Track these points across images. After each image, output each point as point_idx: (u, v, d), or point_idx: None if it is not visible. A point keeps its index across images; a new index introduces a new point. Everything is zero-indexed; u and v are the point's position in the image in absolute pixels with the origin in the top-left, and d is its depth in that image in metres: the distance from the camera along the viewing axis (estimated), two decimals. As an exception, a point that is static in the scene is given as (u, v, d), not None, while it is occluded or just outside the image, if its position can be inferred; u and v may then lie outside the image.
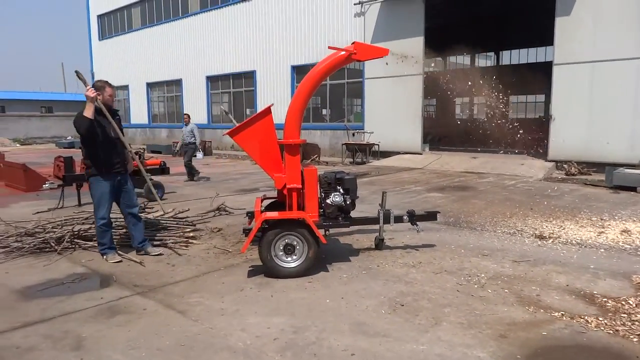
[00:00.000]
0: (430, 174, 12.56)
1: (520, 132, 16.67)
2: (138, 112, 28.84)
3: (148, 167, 9.51)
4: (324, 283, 4.48)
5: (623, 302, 3.89)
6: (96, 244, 5.39)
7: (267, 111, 4.88)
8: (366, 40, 16.35)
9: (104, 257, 5.21)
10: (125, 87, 29.19)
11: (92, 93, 4.90)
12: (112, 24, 29.92)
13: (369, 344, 3.28)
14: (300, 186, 4.80)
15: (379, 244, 5.50)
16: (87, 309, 3.94)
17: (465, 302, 3.98)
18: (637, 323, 3.51)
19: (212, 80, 23.57)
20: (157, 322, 3.67)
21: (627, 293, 4.10)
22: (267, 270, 4.63)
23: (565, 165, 12.31)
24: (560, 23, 12.51)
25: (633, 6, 11.31)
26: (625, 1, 11.44)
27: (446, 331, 3.46)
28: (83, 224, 6.17)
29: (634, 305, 3.82)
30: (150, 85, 27.72)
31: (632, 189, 9.40)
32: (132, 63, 28.20)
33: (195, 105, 24.38)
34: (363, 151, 16.06)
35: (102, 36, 30.81)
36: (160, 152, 20.36)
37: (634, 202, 8.32)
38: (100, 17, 30.75)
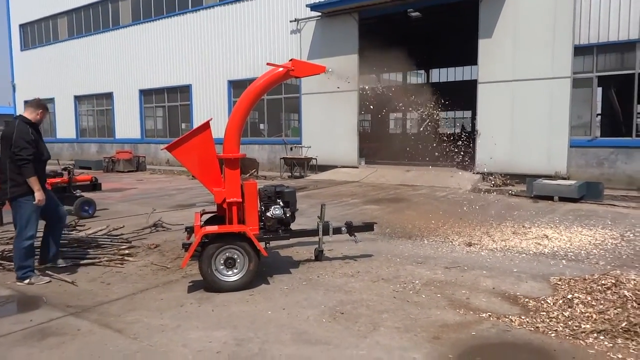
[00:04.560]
0: (366, 187, 12.92)
1: (450, 145, 17.55)
2: (65, 126, 27.41)
3: (78, 183, 9.13)
4: (266, 295, 4.53)
5: (542, 302, 4.23)
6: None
7: (206, 125, 4.89)
8: (302, 57, 16.66)
9: (26, 281, 4.86)
10: (51, 100, 27.64)
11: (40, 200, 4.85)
12: (36, 34, 28.38)
13: (311, 352, 3.36)
14: (240, 200, 4.83)
15: (319, 255, 5.62)
16: (14, 332, 3.74)
17: (401, 308, 4.17)
18: (554, 320, 3.84)
19: (145, 94, 22.93)
20: (92, 342, 3.55)
21: (545, 293, 4.46)
22: (208, 284, 4.60)
23: (491, 177, 13.10)
24: (483, 45, 13.41)
25: (546, 30, 12.35)
26: (539, 26, 12.47)
27: (384, 336, 3.61)
28: (7, 243, 5.82)
29: (552, 304, 4.17)
30: (79, 99, 26.48)
31: (550, 198, 10.18)
32: (59, 75, 26.83)
33: (128, 119, 23.58)
34: (301, 165, 16.23)
35: (25, 46, 29.13)
36: (90, 168, 19.45)
37: (551, 210, 9.03)
38: (22, 26, 29.09)
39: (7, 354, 3.37)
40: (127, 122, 23.73)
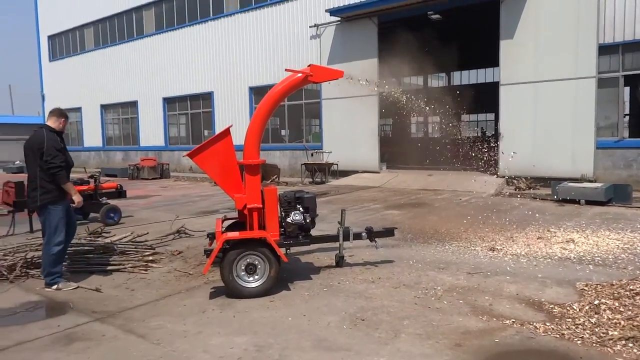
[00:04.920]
0: (388, 192, 12.86)
1: (473, 149, 17.34)
2: (92, 135, 28.09)
3: (104, 191, 9.33)
4: (286, 301, 4.54)
5: (568, 308, 4.14)
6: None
7: (227, 132, 4.96)
8: (322, 62, 16.72)
9: (55, 287, 4.99)
10: (78, 109, 28.41)
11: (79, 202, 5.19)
12: (64, 45, 29.21)
13: (331, 358, 3.36)
14: (260, 206, 4.87)
15: (339, 261, 5.61)
16: (42, 337, 3.84)
17: (422, 314, 4.13)
18: (580, 327, 3.75)
19: (169, 101, 23.34)
20: (117, 348, 3.62)
21: (571, 299, 4.36)
22: (229, 290, 4.64)
23: (515, 181, 12.89)
24: (504, 46, 13.24)
25: (569, 30, 12.13)
26: (562, 25, 12.26)
27: (405, 342, 3.58)
28: (37, 250, 5.98)
29: (578, 310, 4.08)
30: (105, 107, 27.12)
31: (576, 201, 9.96)
32: (85, 84, 27.53)
33: (152, 127, 24.03)
34: (322, 171, 16.25)
35: (53, 57, 30.00)
36: (115, 176, 19.88)
37: (577, 214, 8.83)
38: (51, 37, 29.97)
39: (35, 357, 3.47)
40: (151, 130, 24.18)
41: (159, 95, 23.47)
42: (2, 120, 49.52)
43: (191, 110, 22.59)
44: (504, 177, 13.49)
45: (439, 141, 32.08)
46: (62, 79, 29.16)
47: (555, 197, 10.38)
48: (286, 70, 5.07)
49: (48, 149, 4.90)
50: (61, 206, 5.04)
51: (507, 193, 11.93)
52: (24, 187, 8.39)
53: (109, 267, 5.65)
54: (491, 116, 35.69)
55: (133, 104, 25.02)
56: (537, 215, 8.78)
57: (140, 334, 3.85)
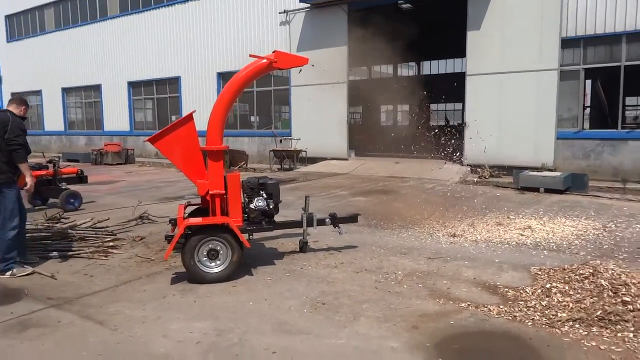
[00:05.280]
0: (355, 179, 12.95)
1: (439, 138, 17.61)
2: (53, 119, 27.12)
3: (64, 176, 9.07)
4: (248, 287, 4.55)
5: (521, 291, 4.29)
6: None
7: (189, 117, 4.88)
8: (292, 49, 16.59)
9: (9, 273, 4.84)
10: (38, 92, 27.35)
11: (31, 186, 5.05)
12: (22, 26, 27.96)
13: (291, 342, 3.39)
14: (223, 192, 4.83)
15: (303, 247, 5.64)
16: (-6, 325, 3.73)
17: (382, 298, 4.21)
18: (531, 309, 3.90)
19: (134, 86, 22.73)
20: (73, 334, 3.56)
21: (525, 283, 4.52)
22: (191, 276, 4.62)
23: (479, 169, 13.18)
24: (471, 37, 13.43)
25: (534, 22, 12.39)
26: (527, 18, 12.51)
27: (364, 325, 3.65)
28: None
29: (530, 293, 4.23)
30: (66, 91, 26.19)
31: (536, 189, 10.27)
32: (46, 67, 26.48)
33: (117, 111, 23.38)
34: (291, 158, 16.22)
35: (11, 38, 28.70)
36: (78, 161, 19.30)
37: (536, 202, 9.11)
38: (8, 17, 28.63)
39: (-14, 346, 3.37)
40: (116, 115, 23.53)
41: (123, 79, 22.82)
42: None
43: (157, 95, 22.08)
44: (468, 165, 13.78)
45: (407, 129, 32.48)
46: (20, 61, 27.97)
47: (517, 185, 10.68)
48: (250, 55, 5.02)
49: (13, 128, 4.89)
50: (15, 189, 4.89)
51: (472, 181, 12.19)
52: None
53: (67, 253, 5.52)
54: (459, 106, 36.34)
55: (96, 88, 24.26)
56: (498, 202, 9.02)
57: (97, 320, 3.79)
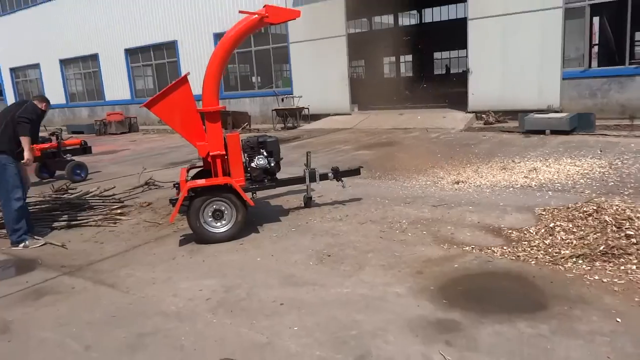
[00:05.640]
0: (359, 133, 12.87)
1: (443, 86, 17.32)
2: (54, 92, 26.89)
3: (68, 148, 9.11)
4: (255, 244, 4.62)
5: (525, 232, 4.31)
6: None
7: (184, 80, 4.83)
8: (288, 4, 16.14)
9: (22, 245, 4.96)
10: (36, 66, 27.09)
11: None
12: (13, -2, 27.43)
13: (297, 293, 3.47)
14: (223, 152, 4.83)
15: (307, 202, 5.68)
16: (11, 294, 3.85)
17: (387, 247, 4.26)
18: (535, 248, 3.93)
19: (131, 53, 22.39)
20: (86, 298, 3.67)
21: (529, 224, 4.54)
22: (198, 237, 4.69)
23: (484, 115, 13.00)
24: (472, -22, 12.95)
25: (536, -41, 11.90)
26: (529, -46, 12.00)
27: (369, 274, 3.71)
28: None
29: (534, 233, 4.25)
30: (64, 62, 25.90)
31: (542, 132, 10.15)
32: (42, 39, 26.05)
33: (116, 80, 23.17)
34: (293, 116, 16.09)
35: (3, 11, 28.20)
36: (82, 132, 19.32)
37: (542, 144, 9.02)
38: (-2, -10, 28.06)
39: (5, 314, 3.49)
40: (116, 84, 23.31)
41: (120, 46, 22.46)
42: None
43: (155, 60, 21.77)
44: (473, 112, 13.59)
45: (410, 80, 31.90)
46: (15, 35, 27.52)
47: (522, 129, 10.55)
48: (240, 12, 4.88)
49: (27, 108, 5.10)
50: (15, 163, 4.94)
51: (476, 128, 12.07)
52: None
53: (77, 222, 5.61)
54: (463, 53, 35.53)
55: (94, 57, 23.95)
56: (503, 147, 8.95)
57: (109, 284, 3.90)
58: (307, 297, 3.39)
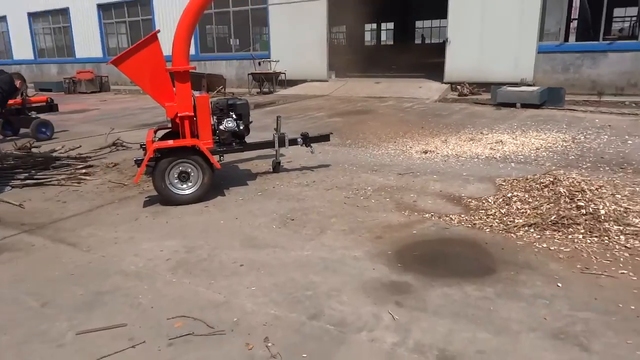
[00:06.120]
0: (334, 100, 12.82)
1: (421, 56, 17.26)
2: (21, 47, 25.85)
3: (33, 105, 8.84)
4: (220, 207, 4.64)
5: (484, 201, 4.44)
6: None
7: (153, 37, 4.70)
8: (266, -37, 15.69)
9: None
10: (3, 19, 25.87)
11: None
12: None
13: (258, 255, 3.53)
14: (192, 114, 4.78)
15: (276, 167, 5.70)
16: (-32, 250, 3.81)
17: (350, 212, 4.34)
18: (491, 217, 4.06)
19: (104, 8, 21.55)
20: (46, 256, 3.65)
21: (488, 193, 4.67)
22: (163, 198, 4.68)
23: (459, 87, 13.09)
24: (453, -55, 12.77)
25: None
26: None
27: (329, 238, 3.79)
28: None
29: (492, 202, 4.38)
30: (32, 16, 24.78)
31: (513, 105, 10.30)
32: (7, -10, 24.85)
33: (88, 37, 22.33)
34: (270, 80, 15.89)
35: (-35, -43, 26.61)
36: (50, 90, 18.71)
37: (512, 117, 9.17)
38: None
39: (-39, 270, 3.46)
40: (88, 41, 22.48)
41: (92, 1, 21.58)
42: None
43: (129, 18, 21.03)
44: (449, 83, 13.65)
45: (389, 49, 31.61)
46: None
47: (495, 101, 10.67)
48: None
49: (4, 79, 5.52)
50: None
51: (450, 99, 12.15)
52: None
53: (39, 181, 5.52)
54: (444, 23, 35.28)
55: (64, 12, 22.98)
56: (474, 119, 9.06)
57: (70, 243, 3.88)
58: (267, 258, 3.45)
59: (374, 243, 3.67)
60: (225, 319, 2.69)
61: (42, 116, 8.65)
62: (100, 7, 21.54)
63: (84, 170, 5.92)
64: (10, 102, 8.35)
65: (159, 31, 4.92)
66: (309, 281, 3.10)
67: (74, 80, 18.55)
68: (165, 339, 2.53)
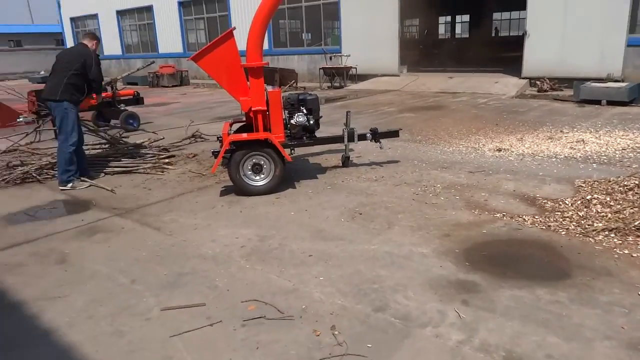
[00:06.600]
0: (405, 96, 12.69)
1: (499, 49, 16.61)
2: (111, 43, 27.80)
3: (122, 98, 9.54)
4: (291, 198, 4.81)
5: (560, 202, 4.27)
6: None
7: (229, 35, 4.94)
8: (340, -42, 15.77)
9: (70, 185, 5.39)
10: (95, 16, 27.93)
11: None
12: (74, -52, 28.06)
13: (326, 246, 3.64)
14: (264, 108, 4.98)
15: (345, 162, 5.79)
16: (68, 230, 4.24)
17: (418, 209, 4.34)
18: (567, 219, 3.90)
19: (184, 5, 22.64)
20: (134, 238, 3.99)
21: (566, 195, 4.48)
22: (237, 189, 4.93)
23: (538, 82, 12.47)
24: None
25: None
26: None
27: (397, 233, 3.83)
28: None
29: (570, 204, 4.21)
30: (120, 13, 26.54)
31: (598, 102, 9.69)
32: (100, -11, 26.79)
33: (170, 33, 23.59)
34: (341, 75, 15.98)
35: (65, -39, 28.99)
36: (136, 84, 20.00)
37: (596, 115, 8.64)
38: (60, -61, 28.75)
39: (63, 246, 3.87)
40: (169, 36, 23.76)
41: (173, -2, 22.76)
42: (22, 29, 49.21)
43: (207, 14, 21.95)
44: (527, 78, 13.05)
45: (464, 42, 30.63)
46: (76, -16, 28.38)
47: (577, 98, 10.09)
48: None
49: (97, 65, 5.48)
50: (76, 110, 5.34)
51: (529, 95, 11.63)
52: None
53: (128, 169, 5.99)
54: (516, 15, 33.59)
55: (149, 9, 24.40)
56: (554, 116, 8.64)
57: (155, 227, 4.21)
58: (335, 250, 3.56)
59: (442, 240, 3.66)
60: (295, 305, 2.83)
61: (130, 108, 9.32)
62: (180, 4, 22.64)
63: (166, 160, 6.34)
64: (102, 95, 9.09)
65: (234, 29, 5.16)
66: (376, 275, 3.17)
67: (157, 75, 19.70)
68: (239, 320, 2.70)
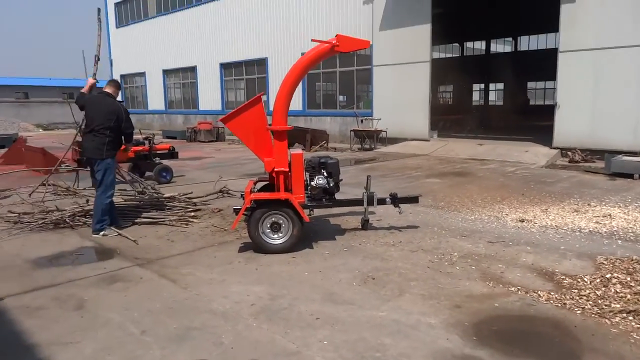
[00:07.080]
0: (434, 161, 12.79)
1: (530, 118, 16.67)
2: (155, 98, 29.46)
3: (158, 152, 10.01)
4: (307, 259, 4.87)
5: (579, 280, 4.18)
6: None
7: (258, 100, 5.24)
8: (375, 28, 16.54)
9: (102, 233, 5.66)
10: (142, 74, 29.79)
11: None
12: (129, 12, 30.44)
13: (335, 310, 3.66)
14: (287, 169, 5.16)
15: (364, 225, 5.85)
16: (90, 276, 4.41)
17: (432, 277, 4.32)
18: (584, 298, 3.80)
19: (225, 67, 23.96)
20: (150, 289, 4.12)
21: (586, 271, 4.37)
22: (256, 246, 5.04)
23: (570, 153, 12.39)
24: (565, 9, 12.47)
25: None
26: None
27: (407, 301, 3.82)
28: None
29: (588, 282, 4.10)
30: (166, 72, 28.25)
31: (630, 175, 9.51)
32: (149, 50, 28.73)
33: (209, 91, 24.86)
34: (371, 138, 16.31)
35: (119, 24, 31.38)
36: (175, 138, 20.92)
37: (627, 189, 8.47)
38: (117, 5, 31.28)
39: (82, 292, 4.03)
40: (210, 95, 25.02)
41: (216, 60, 24.14)
42: (75, 83, 52.62)
43: (247, 75, 23.10)
44: (558, 148, 12.99)
45: (497, 109, 30.85)
46: (128, 45, 30.55)
47: (608, 170, 9.95)
48: (312, 40, 5.23)
49: (127, 117, 5.87)
50: (115, 164, 5.71)
51: (559, 165, 11.53)
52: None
53: (155, 220, 6.22)
54: (550, 85, 33.86)
55: (192, 69, 25.92)
56: (582, 188, 8.52)
57: (172, 279, 4.33)
58: (343, 315, 3.57)
59: (452, 312, 3.62)
60: (295, 368, 2.84)
61: (164, 162, 9.75)
62: (222, 65, 23.97)
63: (192, 214, 6.56)
64: (139, 148, 9.59)
65: (263, 94, 5.48)
66: (380, 343, 3.15)
67: (195, 130, 20.58)
68: (239, 379, 2.73)
